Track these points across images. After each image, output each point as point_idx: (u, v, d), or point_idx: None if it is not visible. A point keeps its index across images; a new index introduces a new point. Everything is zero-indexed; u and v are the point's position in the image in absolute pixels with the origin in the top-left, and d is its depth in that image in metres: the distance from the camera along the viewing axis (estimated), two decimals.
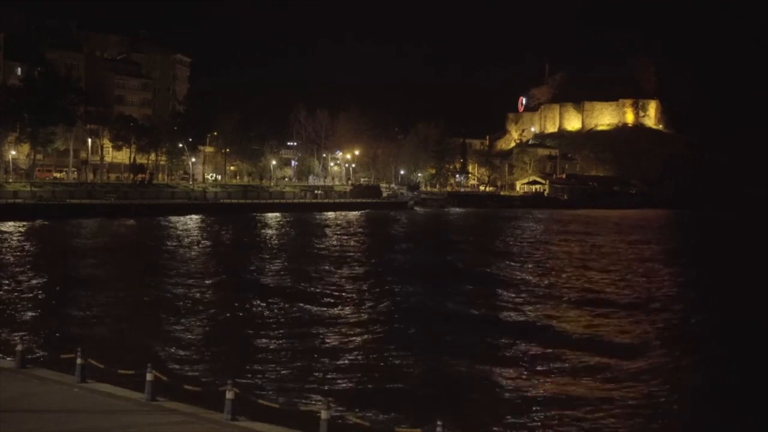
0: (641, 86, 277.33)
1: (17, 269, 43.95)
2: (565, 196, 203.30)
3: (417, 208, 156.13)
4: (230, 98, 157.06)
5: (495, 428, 17.86)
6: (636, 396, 20.91)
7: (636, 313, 34.71)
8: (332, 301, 35.52)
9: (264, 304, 34.06)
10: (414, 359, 24.20)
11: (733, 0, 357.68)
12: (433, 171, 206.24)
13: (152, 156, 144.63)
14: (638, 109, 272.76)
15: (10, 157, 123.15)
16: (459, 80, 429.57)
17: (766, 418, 19.99)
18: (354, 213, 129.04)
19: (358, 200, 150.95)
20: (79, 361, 15.83)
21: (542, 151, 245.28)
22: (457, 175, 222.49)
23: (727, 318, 34.43)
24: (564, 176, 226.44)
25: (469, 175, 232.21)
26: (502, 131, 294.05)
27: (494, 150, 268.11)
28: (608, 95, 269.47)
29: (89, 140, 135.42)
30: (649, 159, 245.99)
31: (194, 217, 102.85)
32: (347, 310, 33.26)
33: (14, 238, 64.60)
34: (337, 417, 13.02)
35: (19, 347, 17.15)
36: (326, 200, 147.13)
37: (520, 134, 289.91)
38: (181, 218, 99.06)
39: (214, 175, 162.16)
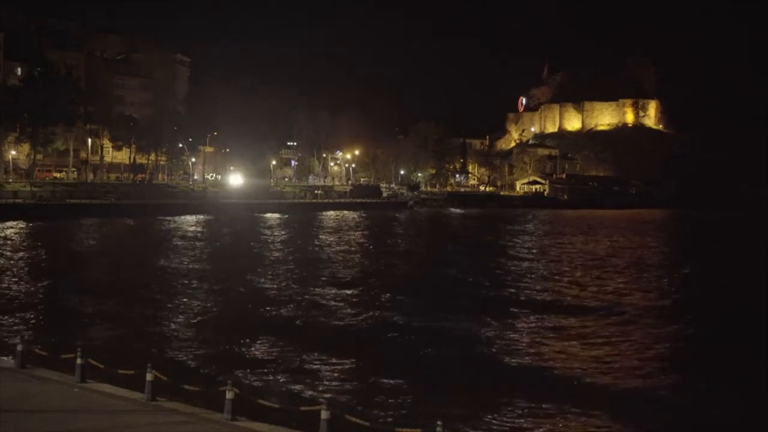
0: (641, 86, 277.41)
1: (17, 269, 43.95)
2: (565, 196, 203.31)
3: (417, 208, 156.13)
4: (230, 98, 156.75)
5: (495, 428, 17.85)
6: (638, 398, 20.91)
7: (640, 314, 34.68)
8: (332, 301, 35.51)
9: (264, 304, 34.03)
10: (414, 359, 24.20)
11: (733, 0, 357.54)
12: (433, 171, 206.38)
13: (152, 156, 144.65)
14: (638, 109, 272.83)
15: (10, 157, 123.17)
16: (459, 80, 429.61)
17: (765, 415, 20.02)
18: (354, 213, 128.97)
19: (358, 200, 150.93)
20: (79, 361, 15.83)
21: (542, 151, 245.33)
22: (457, 175, 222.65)
23: (729, 316, 34.47)
24: (564, 176, 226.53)
25: (469, 175, 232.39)
26: (502, 131, 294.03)
27: (494, 150, 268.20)
28: (608, 95, 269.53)
29: (89, 140, 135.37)
30: (649, 159, 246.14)
31: (194, 216, 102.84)
32: (347, 310, 33.24)
33: (14, 238, 64.59)
34: (337, 417, 13.01)
35: (19, 347, 17.15)
36: (326, 200, 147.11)
37: (520, 134, 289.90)
38: (181, 218, 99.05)
39: (214, 174, 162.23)
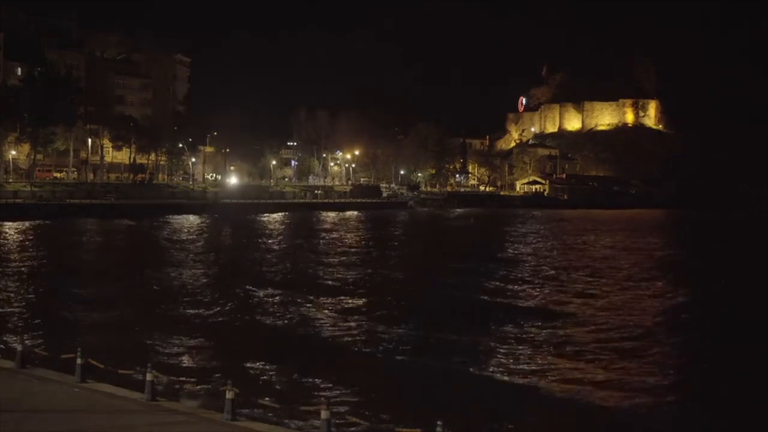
0: (641, 86, 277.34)
1: (17, 269, 43.93)
2: (565, 196, 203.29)
3: (417, 208, 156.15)
4: (230, 98, 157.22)
5: (495, 428, 17.85)
6: (637, 399, 20.90)
7: (641, 315, 34.70)
8: (332, 301, 35.48)
9: (264, 305, 34.06)
10: (414, 359, 24.18)
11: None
12: (433, 171, 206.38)
13: (152, 156, 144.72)
14: (638, 109, 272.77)
15: (10, 157, 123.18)
16: (460, 80, 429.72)
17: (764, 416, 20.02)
18: (354, 213, 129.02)
19: (358, 200, 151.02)
20: (79, 361, 15.83)
21: (542, 151, 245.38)
22: (457, 175, 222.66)
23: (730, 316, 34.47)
24: (564, 176, 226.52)
25: (469, 175, 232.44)
26: (502, 131, 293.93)
27: (494, 150, 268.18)
28: (608, 95, 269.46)
29: (89, 140, 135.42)
30: (649, 159, 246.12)
31: (194, 217, 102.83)
32: (347, 310, 33.22)
33: (14, 238, 64.59)
34: (337, 417, 13.01)
35: (19, 347, 17.15)
36: (326, 200, 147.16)
37: (520, 134, 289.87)
38: (181, 218, 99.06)
39: (214, 174, 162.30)
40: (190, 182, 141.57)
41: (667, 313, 35.28)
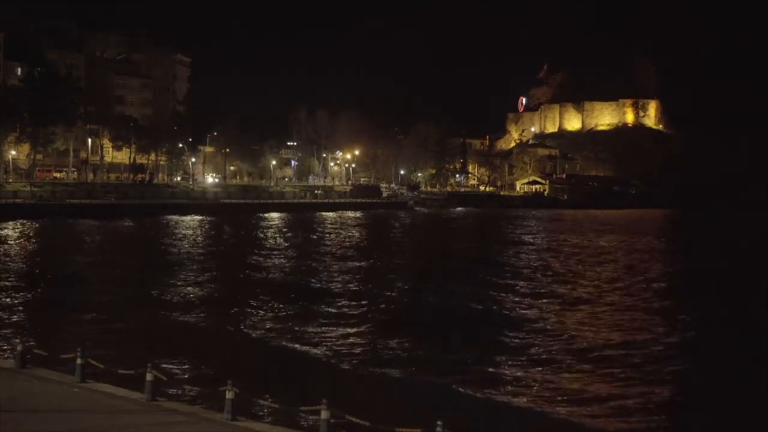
0: (641, 86, 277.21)
1: (17, 269, 43.93)
2: (565, 196, 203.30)
3: (417, 208, 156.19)
4: (230, 98, 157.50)
5: (495, 428, 17.85)
6: (637, 400, 20.90)
7: (642, 317, 34.70)
8: (332, 301, 35.49)
9: (264, 305, 34.04)
10: (414, 359, 24.18)
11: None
12: (433, 171, 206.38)
13: (152, 156, 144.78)
14: (638, 109, 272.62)
15: (10, 157, 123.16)
16: (459, 80, 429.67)
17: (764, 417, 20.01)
18: (354, 213, 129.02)
19: (358, 200, 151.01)
20: (79, 361, 15.80)
21: (542, 151, 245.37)
22: (457, 175, 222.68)
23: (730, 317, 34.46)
24: (564, 176, 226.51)
25: (469, 175, 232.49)
26: (502, 131, 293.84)
27: (494, 150, 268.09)
28: (608, 95, 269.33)
29: (89, 140, 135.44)
30: (649, 159, 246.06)
31: (194, 217, 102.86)
32: (347, 310, 33.24)
33: (14, 238, 64.59)
34: (337, 417, 13.00)
35: (19, 347, 17.13)
36: (326, 200, 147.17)
37: (520, 134, 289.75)
38: (181, 218, 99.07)
39: (214, 175, 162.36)
40: (190, 182, 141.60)
41: (667, 313, 35.25)
